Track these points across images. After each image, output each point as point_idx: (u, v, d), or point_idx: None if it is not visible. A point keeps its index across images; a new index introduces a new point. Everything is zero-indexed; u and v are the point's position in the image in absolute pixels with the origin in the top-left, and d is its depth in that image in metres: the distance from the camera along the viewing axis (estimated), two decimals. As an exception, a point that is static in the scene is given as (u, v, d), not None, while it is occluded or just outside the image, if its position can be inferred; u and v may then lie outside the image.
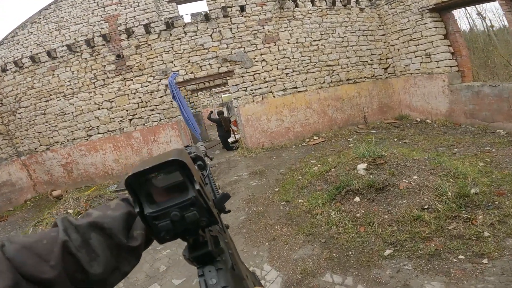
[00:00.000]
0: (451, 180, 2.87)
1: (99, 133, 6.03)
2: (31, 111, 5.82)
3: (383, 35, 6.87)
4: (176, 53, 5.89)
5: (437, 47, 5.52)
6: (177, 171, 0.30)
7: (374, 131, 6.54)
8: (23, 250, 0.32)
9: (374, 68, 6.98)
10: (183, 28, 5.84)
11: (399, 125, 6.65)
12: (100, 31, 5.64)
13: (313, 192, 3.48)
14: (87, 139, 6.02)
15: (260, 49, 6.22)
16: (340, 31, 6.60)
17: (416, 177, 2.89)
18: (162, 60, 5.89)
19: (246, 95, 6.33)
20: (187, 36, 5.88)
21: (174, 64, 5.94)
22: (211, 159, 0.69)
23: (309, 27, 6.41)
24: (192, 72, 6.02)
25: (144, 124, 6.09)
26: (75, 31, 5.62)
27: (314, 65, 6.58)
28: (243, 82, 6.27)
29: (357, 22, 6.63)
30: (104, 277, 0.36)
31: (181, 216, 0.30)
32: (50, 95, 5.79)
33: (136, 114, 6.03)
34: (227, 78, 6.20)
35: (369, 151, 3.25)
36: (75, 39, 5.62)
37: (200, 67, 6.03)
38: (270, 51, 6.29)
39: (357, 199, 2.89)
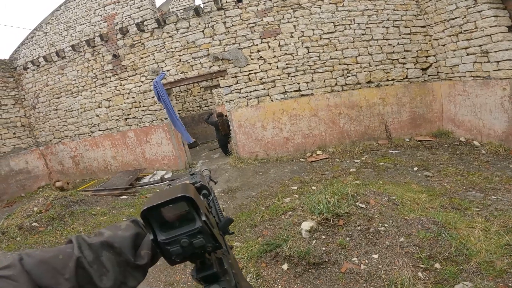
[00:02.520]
0: (434, 267, 1.89)
1: (99, 130, 6.43)
2: (46, 107, 6.57)
3: (424, 26, 5.27)
4: (167, 52, 5.71)
5: (497, 42, 3.88)
6: (185, 204, 0.35)
7: (394, 151, 5.22)
8: (41, 264, 0.36)
9: (407, 68, 5.48)
10: (175, 25, 5.57)
11: (432, 145, 5.13)
12: (100, 31, 5.84)
13: (256, 237, 2.84)
14: (90, 135, 6.50)
15: (257, 44, 5.52)
16: (361, 21, 5.31)
17: (376, 256, 1.99)
18: (154, 59, 5.80)
19: (239, 98, 5.78)
20: (179, 33, 5.60)
21: (166, 64, 5.78)
22: (215, 183, 0.71)
23: (319, 17, 5.34)
24: (183, 72, 5.77)
25: (137, 124, 6.21)
26: (80, 31, 5.97)
27: (323, 63, 5.53)
28: (237, 83, 5.72)
29: (386, 11, 5.22)
30: None
31: (190, 243, 0.36)
32: (61, 92, 6.39)
33: (130, 114, 6.18)
34: (219, 78, 5.74)
35: (323, 205, 2.37)
36: (79, 39, 5.98)
37: (191, 66, 5.72)
38: (269, 46, 5.51)
39: (285, 266, 2.17)
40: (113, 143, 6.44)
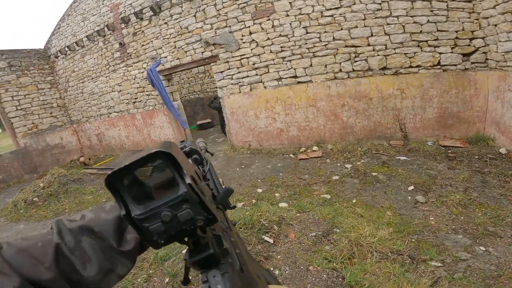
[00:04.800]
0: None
1: (114, 112, 7.45)
2: (74, 90, 7.88)
3: (469, 1, 4.06)
4: (164, 39, 6.00)
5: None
6: (165, 165, 0.28)
7: (403, 158, 4.48)
8: (20, 252, 0.35)
9: (440, 53, 4.43)
10: (169, 11, 5.74)
11: (457, 155, 4.18)
12: (108, 21, 6.49)
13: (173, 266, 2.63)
14: (108, 116, 7.60)
15: (248, 26, 5.27)
16: (376, -9, 4.43)
17: None
18: (153, 47, 6.19)
19: (231, 84, 5.78)
20: (173, 19, 5.77)
21: (163, 50, 6.12)
22: (212, 155, 0.68)
23: (321, -11, 4.68)
24: (178, 58, 6.03)
25: (143, 108, 6.94)
26: (93, 21, 6.75)
27: (325, 45, 4.95)
28: (229, 68, 5.69)
29: (410, -24, 4.19)
30: (99, 279, 0.38)
31: (173, 216, 0.28)
32: (84, 77, 7.53)
33: (137, 98, 6.91)
34: (212, 64, 5.80)
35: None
36: (93, 29, 6.80)
37: (185, 52, 5.91)
38: (261, 28, 5.20)
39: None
40: (125, 124, 7.41)
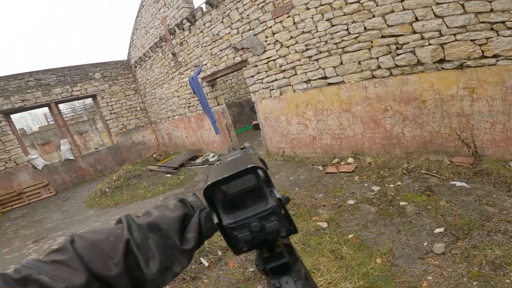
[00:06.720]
0: None
1: (177, 115, 9.13)
2: (150, 95, 10.04)
3: None
4: (202, 47, 6.80)
5: None
6: (253, 178, 0.34)
7: (459, 183, 3.60)
8: (92, 246, 0.39)
9: None
10: (202, 20, 6.42)
11: None
12: (161, 33, 7.87)
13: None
14: (173, 118, 9.40)
15: (270, 26, 5.27)
16: (418, -44, 3.52)
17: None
18: (195, 55, 7.12)
19: (262, 88, 6.03)
20: (206, 27, 6.42)
21: (203, 58, 6.95)
22: None
23: (345, -29, 4.12)
24: (215, 65, 6.73)
25: (196, 112, 8.20)
26: (152, 34, 8.31)
27: (355, 38, 4.42)
28: (258, 72, 5.93)
29: None
30: (157, 276, 0.42)
31: (262, 227, 0.34)
32: (154, 85, 9.48)
33: (190, 103, 8.22)
34: (243, 68, 6.20)
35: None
36: (153, 41, 8.39)
37: (220, 58, 6.52)
38: (283, 27, 5.11)
39: None
40: (184, 126, 8.99)
